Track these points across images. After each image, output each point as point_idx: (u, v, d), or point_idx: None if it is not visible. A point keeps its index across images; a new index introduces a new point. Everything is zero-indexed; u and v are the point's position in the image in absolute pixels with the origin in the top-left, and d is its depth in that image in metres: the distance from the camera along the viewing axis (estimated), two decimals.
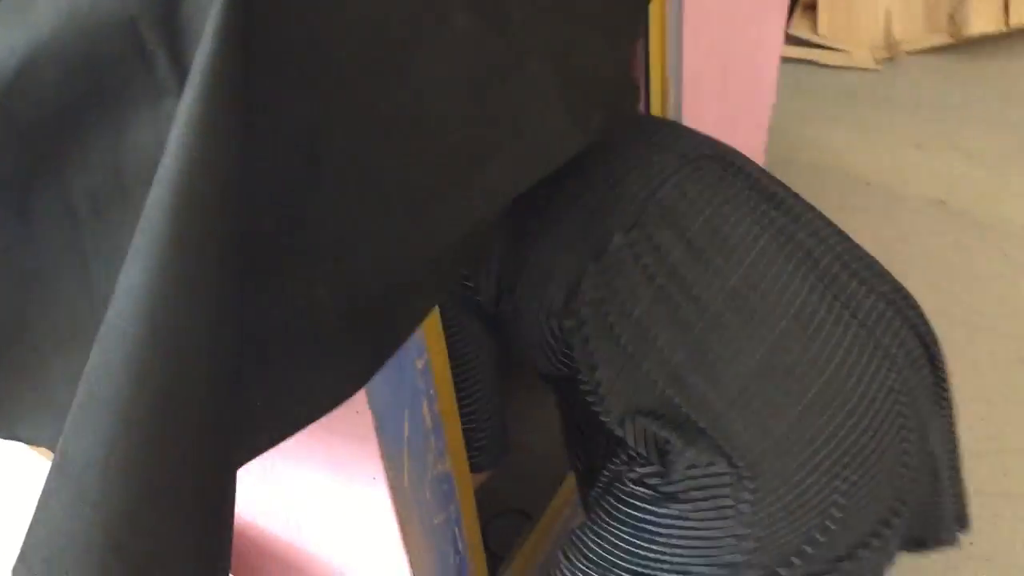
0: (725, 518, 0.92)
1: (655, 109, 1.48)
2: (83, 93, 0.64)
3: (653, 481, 0.96)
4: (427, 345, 0.95)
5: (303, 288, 0.71)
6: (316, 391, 0.78)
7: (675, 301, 0.96)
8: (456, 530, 1.10)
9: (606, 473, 1.02)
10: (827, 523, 0.92)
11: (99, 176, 0.65)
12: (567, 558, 1.04)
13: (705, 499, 0.92)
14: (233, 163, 0.61)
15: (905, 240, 2.06)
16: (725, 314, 0.95)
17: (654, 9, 1.43)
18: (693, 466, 0.92)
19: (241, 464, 0.79)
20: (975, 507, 1.50)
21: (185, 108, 0.58)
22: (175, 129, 0.59)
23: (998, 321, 1.85)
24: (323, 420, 0.80)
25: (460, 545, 1.12)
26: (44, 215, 0.70)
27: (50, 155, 0.67)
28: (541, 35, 0.83)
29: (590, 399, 1.00)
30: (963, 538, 1.47)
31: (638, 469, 0.97)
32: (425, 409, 0.97)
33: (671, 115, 1.51)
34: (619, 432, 0.97)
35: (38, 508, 0.62)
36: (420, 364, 0.95)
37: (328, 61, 0.65)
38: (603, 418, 0.99)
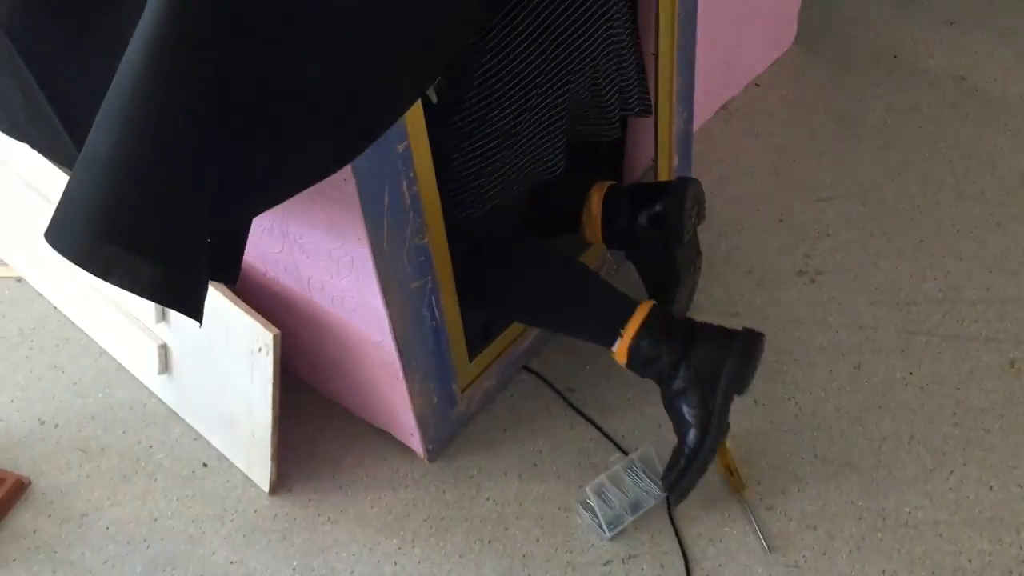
0: None
1: None
2: None
3: None
4: (408, 132, 1.15)
5: (299, 65, 0.90)
6: (311, 160, 0.98)
7: None
8: (433, 298, 1.34)
9: None
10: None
11: None
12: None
13: None
14: None
15: (917, 110, 2.16)
16: None
17: None
18: None
19: (254, 214, 1.01)
20: (923, 345, 1.68)
21: None
22: None
23: (986, 189, 1.97)
24: (321, 188, 1.02)
25: (436, 312, 1.36)
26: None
27: None
28: None
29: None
30: (904, 369, 1.66)
31: None
32: (404, 188, 1.19)
33: None
34: None
35: (64, 190, 0.86)
36: (401, 147, 1.15)
37: None
38: None
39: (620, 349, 1.44)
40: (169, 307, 0.88)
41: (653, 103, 1.71)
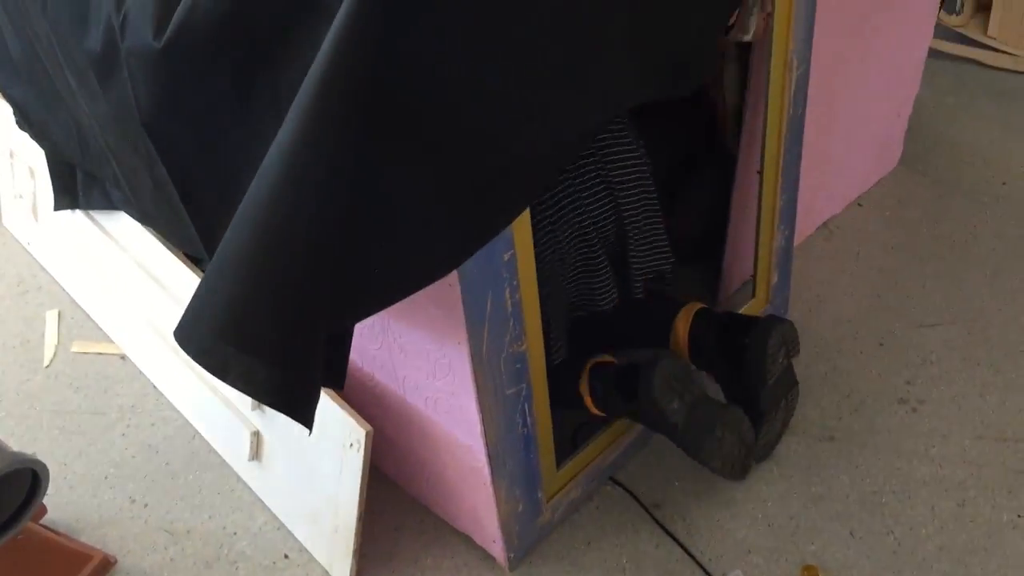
0: None
1: (776, 73, 1.56)
2: (296, 8, 0.87)
3: None
4: (515, 241, 1.17)
5: (417, 175, 0.92)
6: (423, 265, 1.00)
7: None
8: (526, 406, 1.33)
9: None
10: None
11: (299, 71, 0.85)
12: None
13: None
14: (376, 58, 0.81)
15: None
16: None
17: None
18: None
19: (365, 316, 1.03)
20: None
21: (341, 10, 0.80)
22: (331, 27, 0.80)
23: None
24: (426, 291, 1.04)
25: (528, 419, 1.35)
26: (259, 103, 0.95)
27: (268, 57, 0.91)
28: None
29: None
30: (1012, 510, 1.57)
31: None
32: (507, 295, 1.20)
33: (791, 88, 1.59)
34: None
35: (194, 292, 0.89)
36: (506, 256, 1.17)
37: None
38: None
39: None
40: (281, 412, 0.89)
41: (755, 221, 1.71)
